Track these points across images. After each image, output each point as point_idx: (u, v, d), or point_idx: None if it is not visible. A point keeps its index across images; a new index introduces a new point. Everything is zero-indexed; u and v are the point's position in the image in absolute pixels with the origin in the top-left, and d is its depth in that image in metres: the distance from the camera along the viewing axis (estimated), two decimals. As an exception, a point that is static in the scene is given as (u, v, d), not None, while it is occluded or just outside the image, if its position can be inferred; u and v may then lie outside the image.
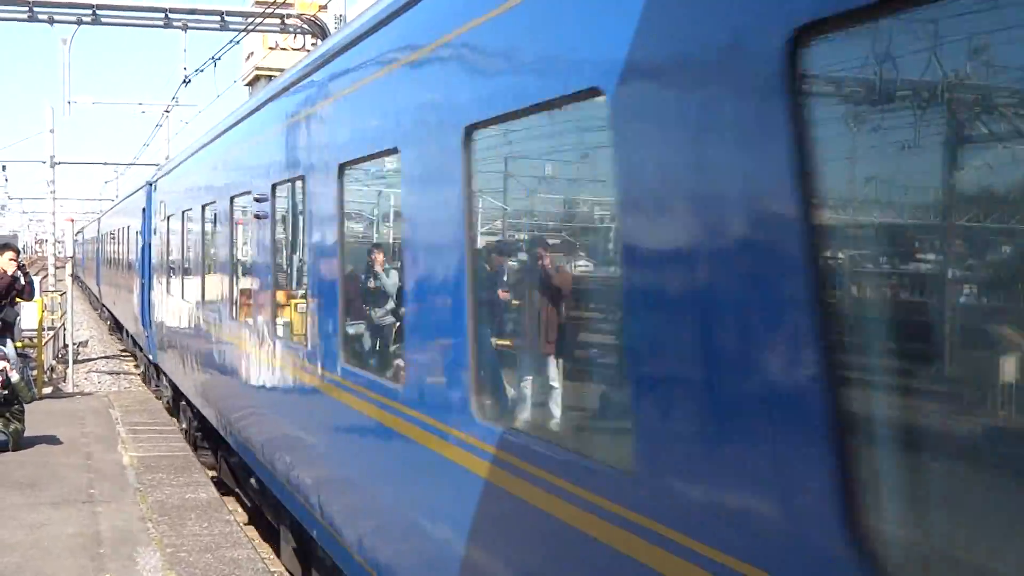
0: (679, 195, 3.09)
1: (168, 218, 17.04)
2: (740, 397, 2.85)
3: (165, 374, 18.48)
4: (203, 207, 13.01)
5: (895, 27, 2.28)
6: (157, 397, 19.99)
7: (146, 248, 20.83)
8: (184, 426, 16.05)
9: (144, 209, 21.21)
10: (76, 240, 52.76)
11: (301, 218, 8.29)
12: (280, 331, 9.05)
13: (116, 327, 36.17)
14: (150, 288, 20.12)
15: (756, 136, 2.72)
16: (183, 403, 16.05)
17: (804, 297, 2.59)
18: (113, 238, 34.71)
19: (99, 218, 46.69)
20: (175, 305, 16.15)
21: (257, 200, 9.48)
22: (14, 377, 12.88)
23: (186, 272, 15.19)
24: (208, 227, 13.01)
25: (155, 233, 19.38)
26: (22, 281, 15.07)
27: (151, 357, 20.50)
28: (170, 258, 17.03)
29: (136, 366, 27.33)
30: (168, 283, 17.14)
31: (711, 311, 2.99)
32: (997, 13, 2.10)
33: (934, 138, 2.40)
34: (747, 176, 2.77)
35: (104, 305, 42.08)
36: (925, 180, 2.45)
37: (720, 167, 2.88)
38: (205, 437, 14.49)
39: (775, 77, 2.57)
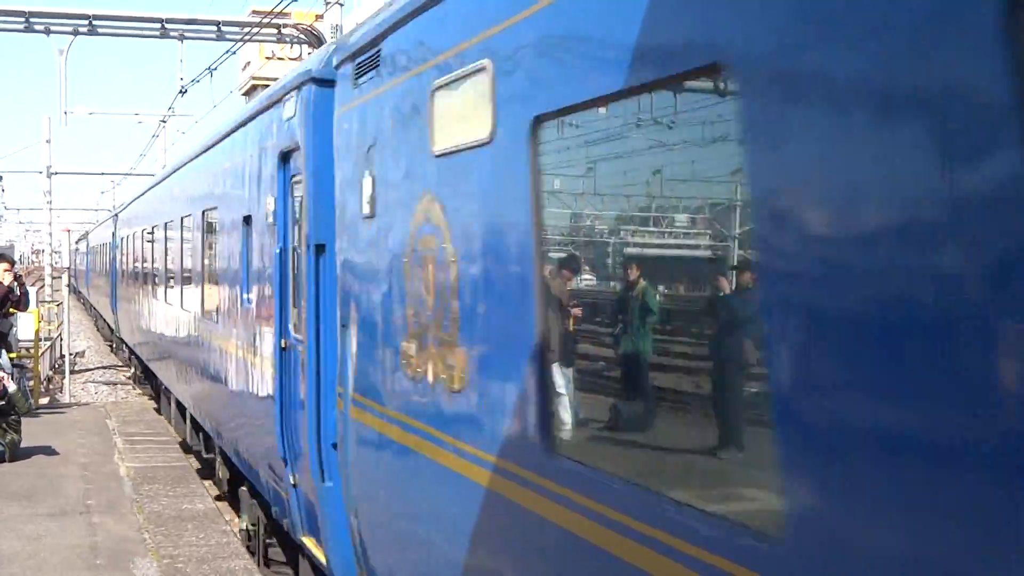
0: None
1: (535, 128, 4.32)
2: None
3: None
4: None
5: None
6: None
7: (305, 255, 7.26)
8: None
9: (285, 155, 7.94)
10: (77, 249, 52.74)
11: None
12: None
13: (146, 375, 22.38)
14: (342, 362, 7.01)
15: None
16: None
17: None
18: (150, 239, 19.20)
19: (116, 213, 31.83)
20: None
21: None
22: (10, 387, 12.88)
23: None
24: None
25: (371, 213, 5.98)
26: (17, 292, 15.07)
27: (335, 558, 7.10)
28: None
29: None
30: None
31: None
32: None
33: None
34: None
35: (126, 343, 27.08)
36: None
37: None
38: None
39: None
